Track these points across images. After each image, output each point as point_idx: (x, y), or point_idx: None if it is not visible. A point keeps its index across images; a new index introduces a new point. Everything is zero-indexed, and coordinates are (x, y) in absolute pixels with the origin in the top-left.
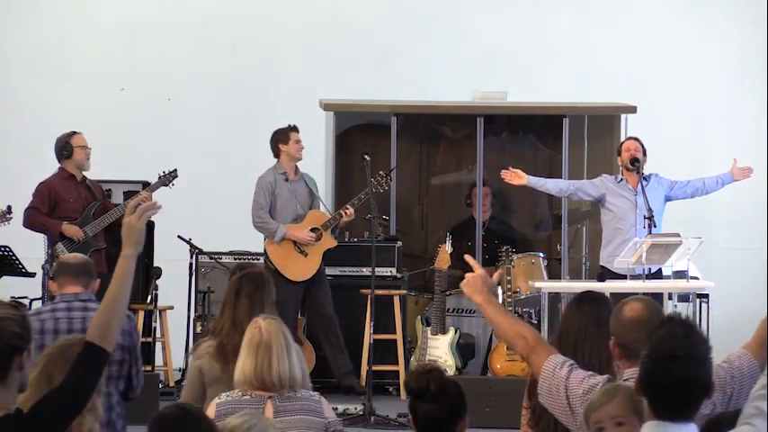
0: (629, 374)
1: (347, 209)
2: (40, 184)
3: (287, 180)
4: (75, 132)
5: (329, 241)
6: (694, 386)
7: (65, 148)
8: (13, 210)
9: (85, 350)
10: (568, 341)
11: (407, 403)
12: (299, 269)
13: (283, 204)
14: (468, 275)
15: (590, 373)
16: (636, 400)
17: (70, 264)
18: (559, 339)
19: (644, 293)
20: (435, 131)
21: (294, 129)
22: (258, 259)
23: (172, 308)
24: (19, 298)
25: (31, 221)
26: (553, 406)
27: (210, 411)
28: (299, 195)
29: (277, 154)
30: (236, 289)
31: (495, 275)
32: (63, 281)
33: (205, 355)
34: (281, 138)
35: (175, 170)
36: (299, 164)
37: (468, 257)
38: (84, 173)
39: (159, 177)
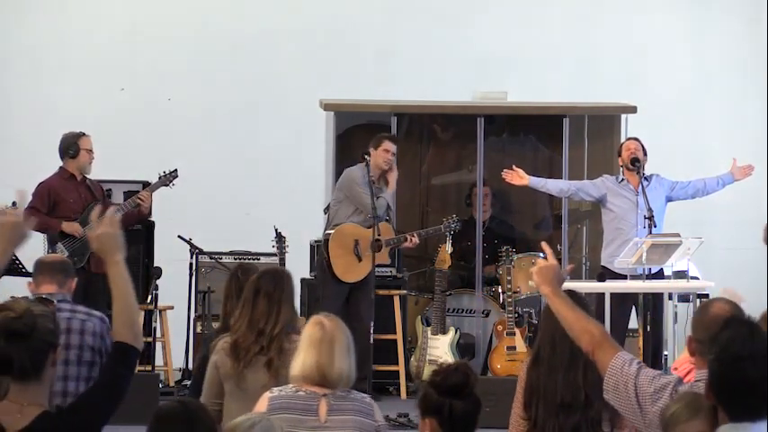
0: (702, 376)
1: (413, 237)
2: (40, 184)
3: (372, 183)
4: (83, 134)
5: (384, 256)
6: (765, 384)
7: (71, 147)
8: (18, 207)
9: (118, 349)
10: (563, 343)
11: (430, 403)
12: (348, 270)
13: (363, 205)
14: (540, 262)
15: (659, 372)
16: (714, 413)
17: (46, 262)
18: (551, 343)
19: (644, 293)
20: (435, 131)
21: (391, 138)
22: (258, 259)
23: (172, 308)
24: (19, 298)
25: None
26: (620, 403)
27: (263, 405)
28: (378, 202)
29: (367, 154)
30: (255, 288)
31: (569, 268)
32: (40, 279)
33: (220, 350)
34: (375, 142)
35: (176, 170)
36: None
37: (544, 245)
38: (85, 174)
39: (159, 177)
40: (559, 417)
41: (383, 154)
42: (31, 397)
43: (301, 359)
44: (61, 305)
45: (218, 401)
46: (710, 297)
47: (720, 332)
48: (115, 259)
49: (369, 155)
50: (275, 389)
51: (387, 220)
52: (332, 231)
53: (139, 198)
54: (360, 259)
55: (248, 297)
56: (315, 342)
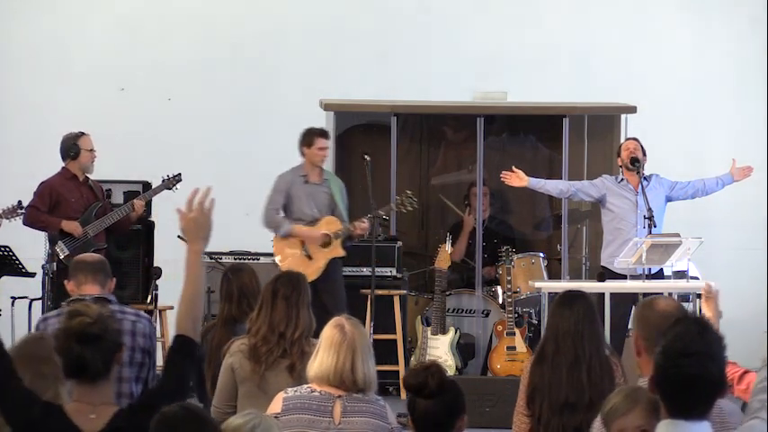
0: (643, 383)
1: (362, 222)
2: (42, 183)
3: (306, 182)
4: (83, 134)
5: (337, 250)
6: (707, 383)
7: (72, 149)
8: (24, 205)
9: (178, 342)
10: (566, 342)
11: (407, 402)
12: (300, 270)
13: (298, 206)
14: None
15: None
16: (657, 405)
17: (87, 262)
18: (555, 341)
19: (644, 293)
20: (435, 131)
21: (322, 134)
22: (258, 259)
23: (172, 308)
24: (19, 298)
25: (31, 219)
26: None
27: (277, 405)
28: (316, 199)
29: (302, 154)
30: (272, 290)
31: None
32: (80, 280)
33: (238, 353)
34: (306, 140)
35: (179, 174)
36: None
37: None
38: (87, 174)
39: (163, 180)
40: (563, 416)
41: (318, 152)
42: (101, 396)
43: (319, 360)
44: (110, 306)
45: (232, 404)
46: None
47: (671, 327)
48: (195, 248)
49: (368, 155)
50: (290, 389)
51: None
52: (273, 240)
53: (136, 203)
54: (310, 258)
55: (266, 299)
56: (335, 344)
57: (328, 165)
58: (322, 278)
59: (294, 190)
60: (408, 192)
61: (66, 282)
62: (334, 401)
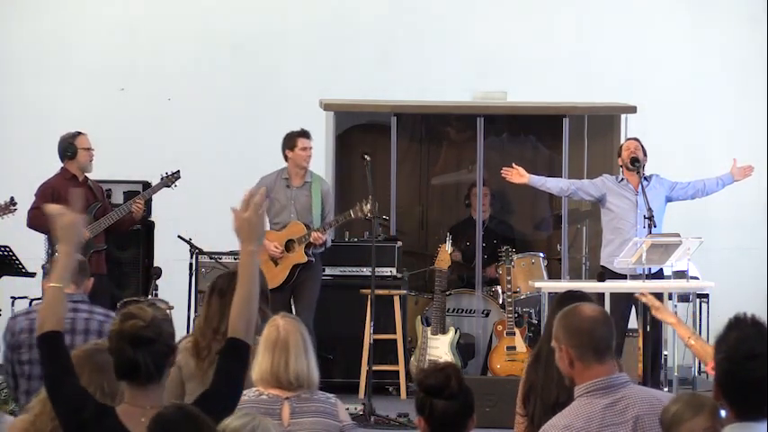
0: (584, 390)
1: (319, 232)
2: (42, 184)
3: (288, 186)
4: (79, 133)
5: (299, 257)
6: None
7: (68, 149)
8: (17, 202)
9: (230, 345)
10: None
11: (417, 401)
12: (268, 277)
13: (279, 210)
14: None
15: None
16: (718, 411)
17: None
18: (550, 342)
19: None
20: (435, 131)
21: (303, 134)
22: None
23: (172, 308)
24: (19, 298)
25: (35, 222)
26: None
27: None
28: (297, 203)
29: (285, 158)
30: (211, 287)
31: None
32: None
33: (183, 350)
34: (288, 143)
35: (178, 171)
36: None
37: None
38: (86, 174)
39: (162, 178)
40: (555, 414)
41: (301, 153)
42: (152, 400)
43: (258, 362)
44: (80, 306)
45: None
46: (709, 297)
47: (728, 332)
48: (248, 248)
49: (368, 155)
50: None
51: (310, 225)
52: None
53: (136, 204)
54: (276, 264)
55: (206, 296)
56: (270, 345)
57: (328, 165)
58: (294, 283)
59: (275, 193)
60: (370, 197)
61: (43, 281)
62: (282, 404)
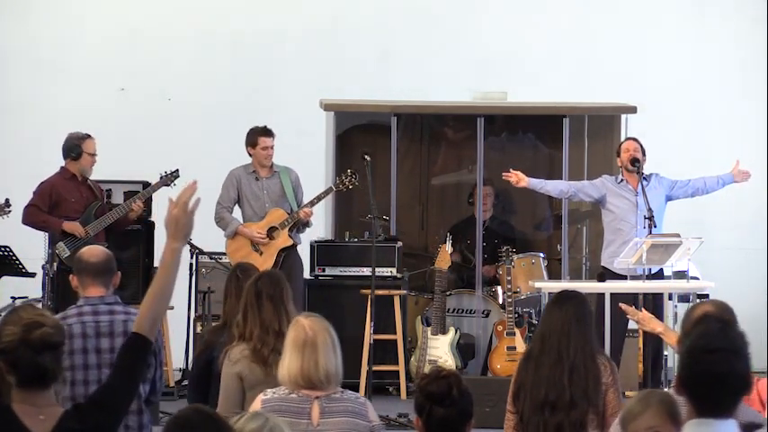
0: None
1: (306, 207)
2: (42, 182)
3: (257, 179)
4: (88, 136)
5: (284, 240)
6: (733, 379)
7: (74, 149)
8: (11, 203)
9: (133, 340)
10: (551, 341)
11: (417, 403)
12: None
13: (252, 202)
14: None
15: None
16: (672, 407)
17: (90, 263)
18: (541, 340)
19: (644, 294)
20: (435, 131)
21: (265, 132)
22: None
23: (172, 308)
24: (19, 298)
25: (31, 218)
26: None
27: (256, 407)
28: (271, 193)
29: (249, 154)
30: (255, 292)
31: None
32: (84, 281)
33: (242, 359)
34: (251, 140)
35: (177, 170)
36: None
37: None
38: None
39: (161, 177)
40: (544, 414)
41: (262, 152)
42: (46, 398)
43: (286, 363)
44: (115, 308)
45: (238, 411)
46: (709, 297)
47: (694, 326)
48: (173, 245)
49: (368, 155)
50: (269, 390)
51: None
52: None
53: (133, 205)
54: (261, 253)
55: (251, 302)
56: (298, 345)
57: (328, 165)
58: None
59: (245, 187)
60: (349, 171)
61: (71, 276)
62: (311, 403)
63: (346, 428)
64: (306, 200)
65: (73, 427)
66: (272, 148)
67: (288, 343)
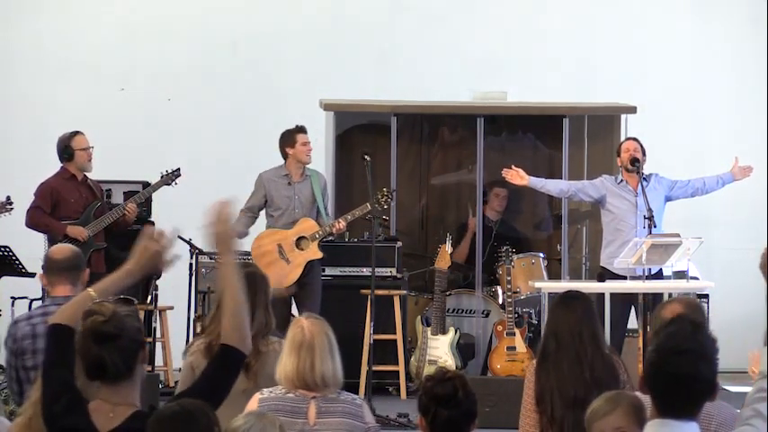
0: None
1: (340, 222)
2: (42, 183)
3: (289, 183)
4: (75, 134)
5: (313, 253)
6: (698, 382)
7: (65, 151)
8: (13, 201)
9: (223, 351)
10: (566, 340)
11: (421, 404)
12: (278, 274)
13: (283, 206)
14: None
15: None
16: (639, 409)
17: (55, 260)
18: (556, 339)
19: (644, 294)
20: (435, 131)
21: (301, 130)
22: None
23: (172, 308)
24: (19, 298)
25: (35, 221)
26: None
27: (253, 406)
28: (301, 197)
29: (285, 156)
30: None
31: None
32: (52, 280)
33: (196, 352)
34: (288, 140)
35: (178, 169)
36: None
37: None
38: (86, 173)
39: (162, 176)
40: (575, 411)
41: (302, 148)
42: (123, 397)
43: (283, 363)
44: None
45: (197, 403)
46: (709, 297)
47: (665, 326)
48: (227, 260)
49: (368, 155)
50: (265, 390)
51: (319, 214)
52: (254, 240)
53: (126, 209)
54: (288, 262)
55: (219, 299)
56: (295, 346)
57: (328, 165)
58: (301, 281)
59: (274, 191)
60: (385, 189)
61: (39, 275)
62: (308, 403)
63: (342, 429)
64: (329, 207)
65: (139, 427)
66: (310, 143)
67: (286, 343)
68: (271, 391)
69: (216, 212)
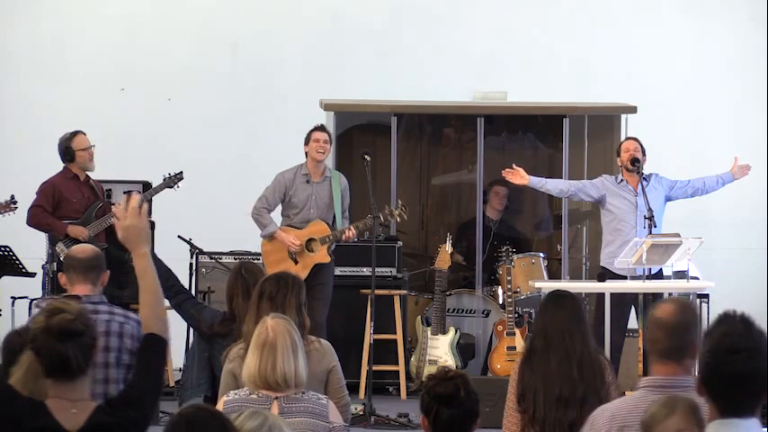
0: (646, 382)
1: (351, 230)
2: (44, 183)
3: (308, 182)
4: (75, 134)
5: (321, 256)
6: (757, 379)
7: (66, 152)
8: (17, 200)
9: (150, 341)
10: (556, 338)
11: (423, 404)
12: None
13: (299, 206)
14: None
15: None
16: (697, 410)
17: (78, 259)
18: (544, 338)
19: (644, 294)
20: (435, 131)
21: (318, 128)
22: (258, 259)
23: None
24: (19, 298)
25: (36, 220)
26: None
27: (219, 408)
28: (318, 199)
29: (306, 155)
30: (259, 292)
31: None
32: (72, 278)
33: (236, 358)
34: (306, 139)
35: (181, 172)
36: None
37: None
38: (88, 173)
39: (164, 179)
40: (558, 411)
41: (314, 145)
42: (81, 393)
43: (246, 364)
44: (99, 307)
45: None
46: (709, 297)
47: (715, 327)
48: (140, 252)
49: (368, 155)
50: (231, 392)
51: (335, 218)
52: (263, 240)
53: (116, 216)
54: (296, 262)
55: (254, 301)
56: (258, 345)
57: (329, 165)
58: (309, 280)
59: (294, 190)
60: (399, 201)
61: (59, 274)
62: (271, 403)
63: (305, 429)
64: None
65: (105, 421)
66: (324, 142)
67: (251, 342)
68: (236, 393)
69: (125, 207)
